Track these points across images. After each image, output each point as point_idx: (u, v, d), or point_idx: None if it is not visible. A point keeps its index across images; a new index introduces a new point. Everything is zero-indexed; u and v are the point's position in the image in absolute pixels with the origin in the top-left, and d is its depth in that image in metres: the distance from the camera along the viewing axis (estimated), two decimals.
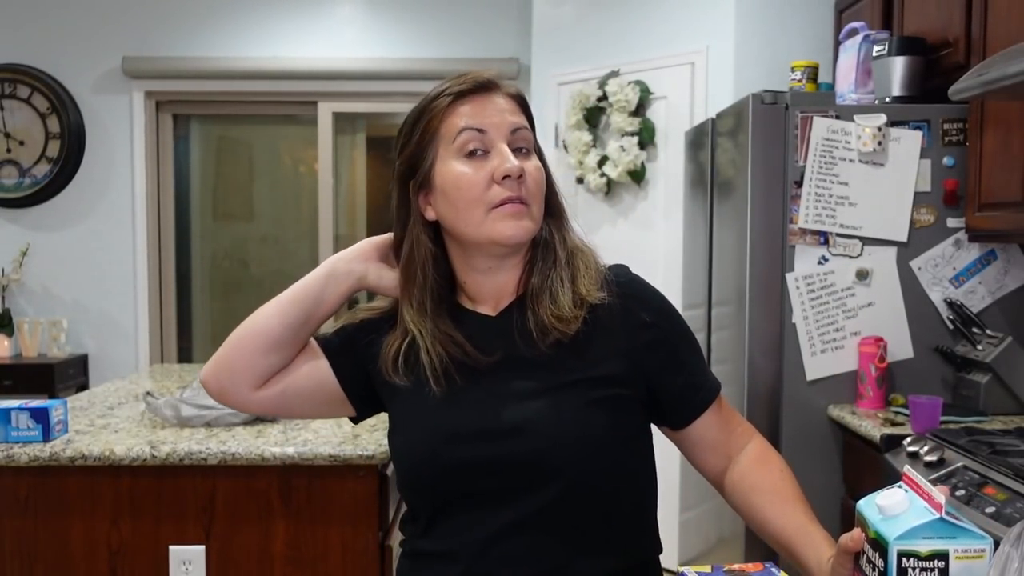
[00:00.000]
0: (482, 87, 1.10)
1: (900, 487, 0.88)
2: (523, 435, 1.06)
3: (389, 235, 1.19)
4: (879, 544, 0.84)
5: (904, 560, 0.82)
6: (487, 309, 1.15)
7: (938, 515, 0.82)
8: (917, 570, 0.82)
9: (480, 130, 1.08)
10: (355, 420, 1.27)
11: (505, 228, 1.07)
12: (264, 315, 1.17)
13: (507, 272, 1.14)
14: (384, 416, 1.22)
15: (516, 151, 1.09)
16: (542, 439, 1.06)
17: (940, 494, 0.83)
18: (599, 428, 1.07)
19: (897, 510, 0.85)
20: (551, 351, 1.09)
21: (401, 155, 1.13)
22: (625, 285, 1.14)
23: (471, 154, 1.08)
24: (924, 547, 0.82)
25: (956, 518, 0.83)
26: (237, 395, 1.19)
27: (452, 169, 1.09)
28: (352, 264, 1.18)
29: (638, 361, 1.11)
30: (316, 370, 1.20)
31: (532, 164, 1.11)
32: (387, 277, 1.18)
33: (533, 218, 1.10)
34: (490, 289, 1.15)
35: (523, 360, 1.10)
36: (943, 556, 0.82)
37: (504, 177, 1.07)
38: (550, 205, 1.16)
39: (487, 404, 1.09)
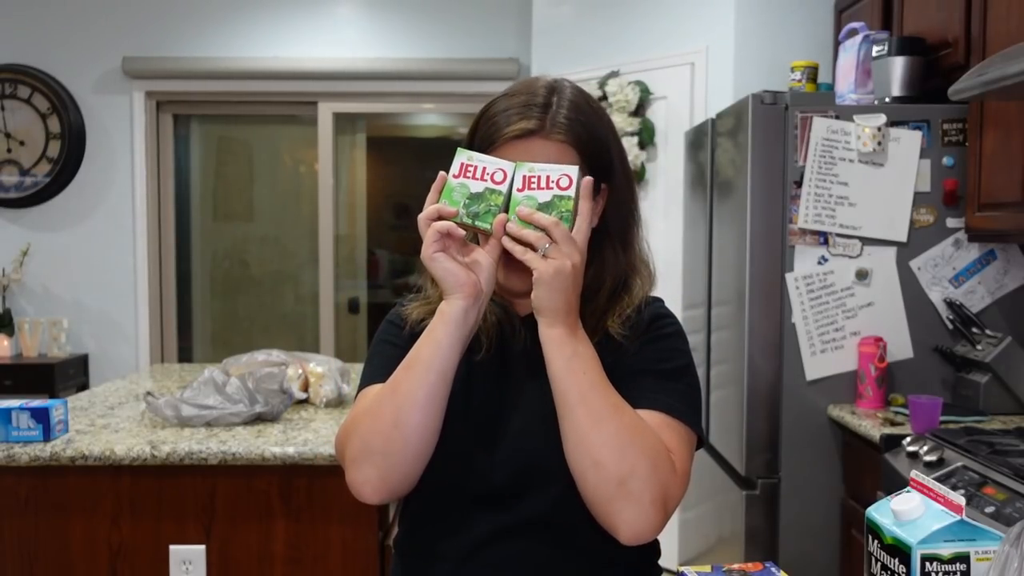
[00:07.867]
0: (527, 133, 1.08)
1: (909, 492, 0.89)
2: (522, 439, 1.07)
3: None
4: (898, 549, 0.85)
5: (928, 564, 0.82)
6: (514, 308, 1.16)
7: (959, 517, 0.83)
8: (940, 574, 0.83)
9: None
10: None
11: None
12: (410, 402, 1.03)
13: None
14: None
15: None
16: (540, 443, 1.06)
17: (958, 496, 0.84)
18: None
19: (914, 515, 0.85)
20: None
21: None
22: (651, 321, 1.14)
23: None
24: (946, 550, 0.82)
25: (972, 519, 0.84)
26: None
27: None
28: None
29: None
30: None
31: None
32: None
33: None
34: (508, 292, 1.15)
35: (529, 364, 1.10)
36: (965, 559, 0.83)
37: None
38: (610, 231, 1.15)
39: (491, 405, 1.09)
